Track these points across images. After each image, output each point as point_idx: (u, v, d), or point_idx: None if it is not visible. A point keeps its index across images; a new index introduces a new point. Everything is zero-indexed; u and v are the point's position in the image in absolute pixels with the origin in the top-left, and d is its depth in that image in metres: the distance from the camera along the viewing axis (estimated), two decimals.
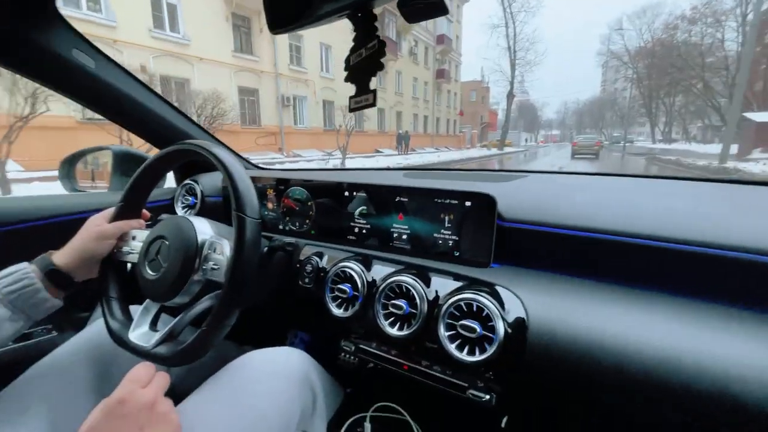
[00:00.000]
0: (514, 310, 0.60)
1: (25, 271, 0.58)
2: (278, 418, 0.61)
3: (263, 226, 1.00)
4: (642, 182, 0.93)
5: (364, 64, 0.51)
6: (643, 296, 0.57)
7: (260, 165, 1.34)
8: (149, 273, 0.65)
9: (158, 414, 0.48)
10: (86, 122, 8.65)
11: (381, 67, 0.50)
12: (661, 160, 16.10)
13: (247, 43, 14.25)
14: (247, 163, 1.33)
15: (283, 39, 15.56)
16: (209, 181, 1.14)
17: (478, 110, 45.03)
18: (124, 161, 1.19)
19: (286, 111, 15.92)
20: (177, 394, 0.55)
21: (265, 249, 0.81)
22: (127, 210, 0.72)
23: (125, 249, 0.71)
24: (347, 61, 0.53)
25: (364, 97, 0.53)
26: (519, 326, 0.59)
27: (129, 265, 0.71)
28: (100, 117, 0.97)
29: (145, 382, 0.51)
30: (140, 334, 0.63)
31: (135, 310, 0.68)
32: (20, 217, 0.87)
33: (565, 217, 0.67)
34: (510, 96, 30.40)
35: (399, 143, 21.26)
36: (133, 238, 0.71)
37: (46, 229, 0.91)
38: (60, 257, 0.63)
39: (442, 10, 0.48)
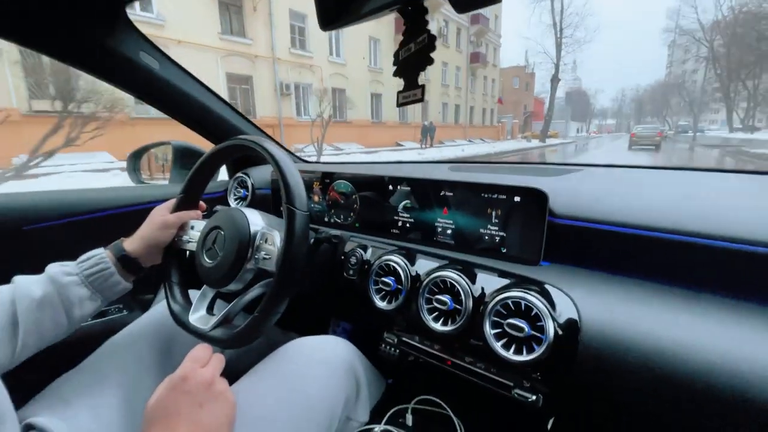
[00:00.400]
0: (566, 310, 0.57)
1: (101, 256, 0.65)
2: (325, 403, 0.63)
3: (310, 218, 1.03)
4: (715, 177, 0.85)
5: (413, 58, 0.51)
6: (713, 302, 0.52)
7: (307, 159, 1.38)
8: (206, 261, 0.70)
9: (216, 392, 0.51)
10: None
11: (431, 61, 0.49)
12: (747, 153, 13.56)
13: (238, 24, 12.50)
14: (295, 157, 1.37)
15: (284, 19, 13.61)
16: (259, 174, 1.20)
17: (522, 98, 42.00)
18: (183, 155, 1.28)
19: (286, 100, 14.14)
20: (230, 374, 0.59)
21: (312, 240, 0.83)
22: (186, 201, 0.77)
23: (185, 238, 0.76)
24: (396, 55, 0.53)
25: (412, 92, 0.52)
26: (570, 327, 0.56)
27: (188, 253, 0.77)
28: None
29: (204, 362, 0.54)
30: (199, 317, 0.68)
31: (194, 294, 0.73)
32: (96, 206, 0.97)
33: (624, 214, 0.63)
34: (554, 80, 27.41)
35: (424, 135, 19.20)
36: (192, 227, 0.76)
37: (117, 217, 1.00)
38: (130, 244, 0.69)
39: None
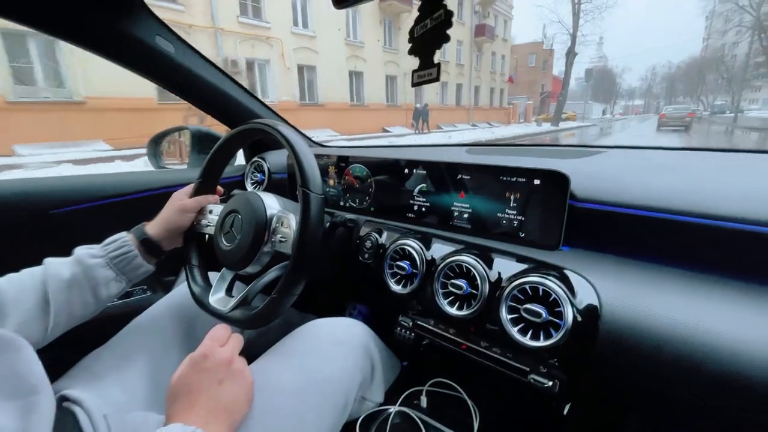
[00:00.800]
0: (586, 296, 0.56)
1: (124, 240, 0.67)
2: (340, 383, 0.64)
3: (325, 202, 1.03)
4: (749, 158, 0.79)
5: (429, 35, 0.49)
6: (744, 289, 0.49)
7: (322, 143, 1.38)
8: (225, 244, 0.71)
9: (235, 370, 0.53)
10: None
11: (447, 39, 0.47)
12: None
13: None
14: (310, 141, 1.37)
15: None
16: (275, 159, 1.20)
17: (538, 78, 38.39)
18: (201, 140, 1.29)
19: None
20: (249, 354, 0.60)
21: (327, 224, 0.83)
22: (204, 186, 0.79)
23: (203, 222, 0.77)
24: (411, 32, 0.51)
25: (427, 72, 0.51)
26: (590, 314, 0.54)
27: (207, 237, 0.78)
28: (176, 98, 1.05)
29: (224, 341, 0.56)
30: (218, 299, 0.70)
31: (213, 276, 0.75)
32: (119, 191, 1.00)
33: (649, 197, 0.60)
34: (570, 54, 23.13)
35: (416, 119, 17.06)
36: (210, 212, 0.78)
37: (139, 201, 1.02)
38: (151, 228, 0.71)
39: None
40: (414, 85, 0.54)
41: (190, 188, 0.79)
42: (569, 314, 0.55)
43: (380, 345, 0.80)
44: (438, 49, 0.50)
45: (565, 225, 0.64)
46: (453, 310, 0.67)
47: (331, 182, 1.03)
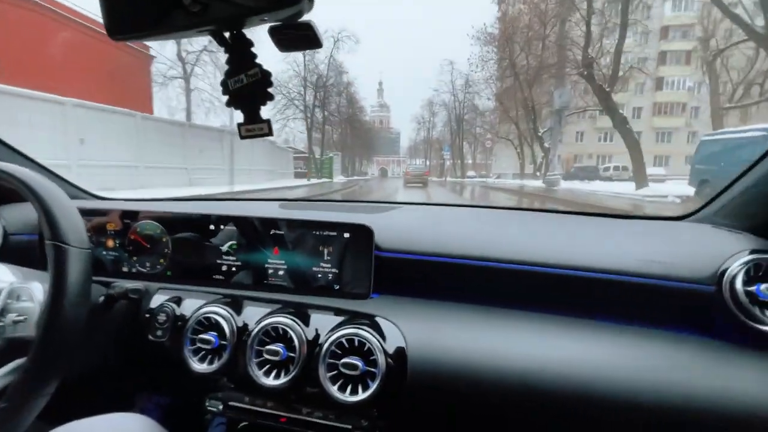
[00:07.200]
0: (395, 340, 0.60)
1: None
2: None
3: (101, 268, 0.81)
4: (496, 212, 1.07)
5: (248, 91, 0.46)
6: (510, 315, 0.64)
7: (99, 194, 1.10)
8: None
9: None
10: None
11: (270, 97, 0.45)
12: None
13: None
14: (79, 190, 1.07)
15: None
16: (17, 214, 0.88)
17: None
18: None
19: None
20: None
21: (102, 299, 0.65)
22: None
23: None
24: (224, 84, 0.47)
25: (257, 126, 0.47)
26: (399, 356, 0.59)
27: None
28: None
29: None
30: None
31: None
32: None
33: (436, 245, 0.72)
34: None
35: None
36: None
37: None
38: None
39: (316, 43, 0.47)
40: (242, 137, 0.49)
41: None
42: (382, 361, 0.57)
43: None
44: (263, 105, 0.47)
45: (374, 273, 0.69)
46: (270, 381, 0.61)
47: (110, 243, 0.82)
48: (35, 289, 0.49)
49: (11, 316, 0.47)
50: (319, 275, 0.71)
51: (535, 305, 0.66)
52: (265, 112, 0.47)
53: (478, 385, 0.55)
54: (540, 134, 17.30)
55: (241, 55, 0.44)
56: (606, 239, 0.74)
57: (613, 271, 0.63)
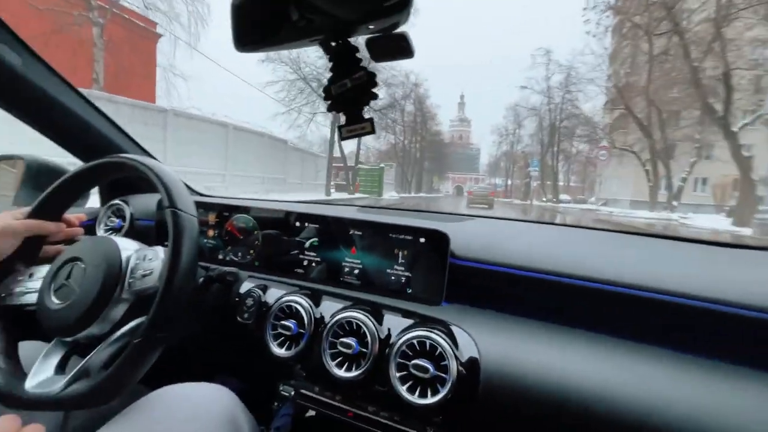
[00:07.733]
0: (467, 349, 0.59)
1: None
2: None
3: (201, 255, 0.91)
4: (571, 231, 1.01)
5: (351, 94, 0.48)
6: (592, 339, 0.59)
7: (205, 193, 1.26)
8: (55, 302, 0.55)
9: None
10: None
11: (374, 96, 0.47)
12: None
13: None
14: (190, 189, 1.23)
15: None
16: (142, 203, 1.04)
17: None
18: (40, 174, 1.04)
19: None
20: None
21: (201, 280, 0.73)
22: (38, 216, 0.62)
23: (18, 289, 0.59)
24: (327, 90, 0.51)
25: (359, 126, 0.50)
26: (472, 365, 0.57)
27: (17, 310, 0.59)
28: None
29: None
30: (42, 380, 0.52)
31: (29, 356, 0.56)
32: None
33: (513, 256, 0.70)
34: None
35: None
36: (31, 275, 0.60)
37: None
38: None
39: (409, 53, 0.49)
40: (343, 138, 0.53)
41: (19, 211, 0.61)
42: (454, 367, 0.56)
43: (251, 420, 0.68)
44: (366, 105, 0.49)
45: (447, 281, 0.69)
46: (341, 372, 0.63)
47: (210, 233, 0.93)
48: (159, 250, 0.58)
49: (139, 273, 0.56)
50: (393, 277, 0.72)
51: (618, 330, 0.60)
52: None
53: (552, 407, 0.52)
54: (737, 129, 11.16)
55: (347, 61, 0.49)
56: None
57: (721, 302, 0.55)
